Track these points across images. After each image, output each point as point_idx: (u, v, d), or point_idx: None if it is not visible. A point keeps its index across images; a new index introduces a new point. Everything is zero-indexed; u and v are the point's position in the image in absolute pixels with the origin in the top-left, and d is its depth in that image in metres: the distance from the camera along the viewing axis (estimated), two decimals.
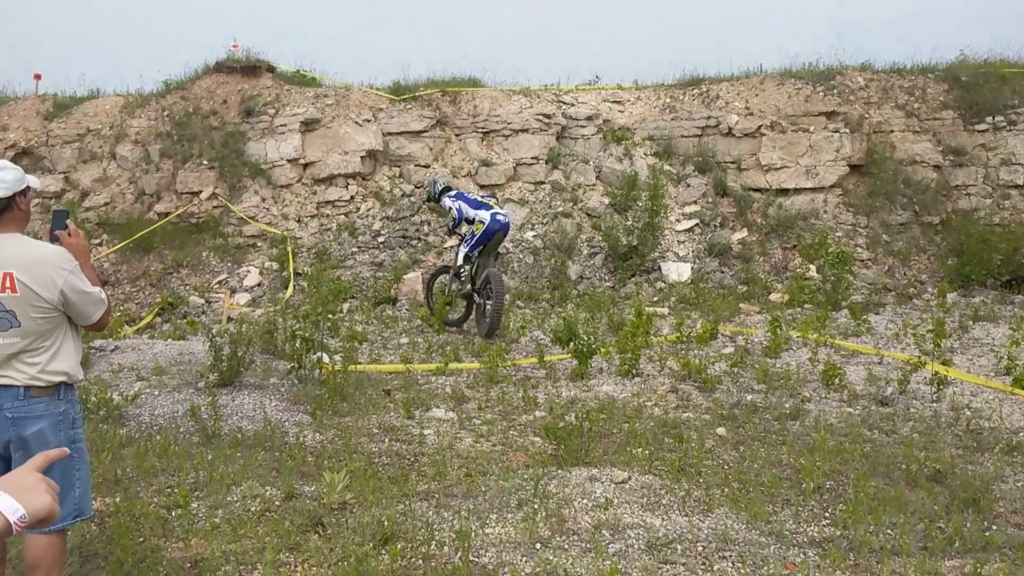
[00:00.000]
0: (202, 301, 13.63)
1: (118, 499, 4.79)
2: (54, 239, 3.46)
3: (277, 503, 4.85)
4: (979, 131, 16.49)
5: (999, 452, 5.84)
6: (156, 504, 4.85)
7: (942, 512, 4.68)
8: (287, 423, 6.60)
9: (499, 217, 10.55)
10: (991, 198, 16.11)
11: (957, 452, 5.94)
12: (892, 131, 16.53)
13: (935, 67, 17.84)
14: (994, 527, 4.50)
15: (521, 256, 14.71)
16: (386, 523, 4.37)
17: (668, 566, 3.98)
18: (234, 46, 17.66)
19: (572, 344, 8.57)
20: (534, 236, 15.24)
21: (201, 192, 15.56)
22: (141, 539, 4.38)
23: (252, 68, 17.30)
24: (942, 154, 16.45)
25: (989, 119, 16.40)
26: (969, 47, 20.72)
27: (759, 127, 16.13)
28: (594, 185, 16.20)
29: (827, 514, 4.70)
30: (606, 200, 15.78)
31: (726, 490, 5.01)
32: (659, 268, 14.74)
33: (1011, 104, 16.45)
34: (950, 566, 3.99)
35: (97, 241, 15.34)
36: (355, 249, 14.82)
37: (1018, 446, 6.04)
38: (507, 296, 11.79)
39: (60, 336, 3.40)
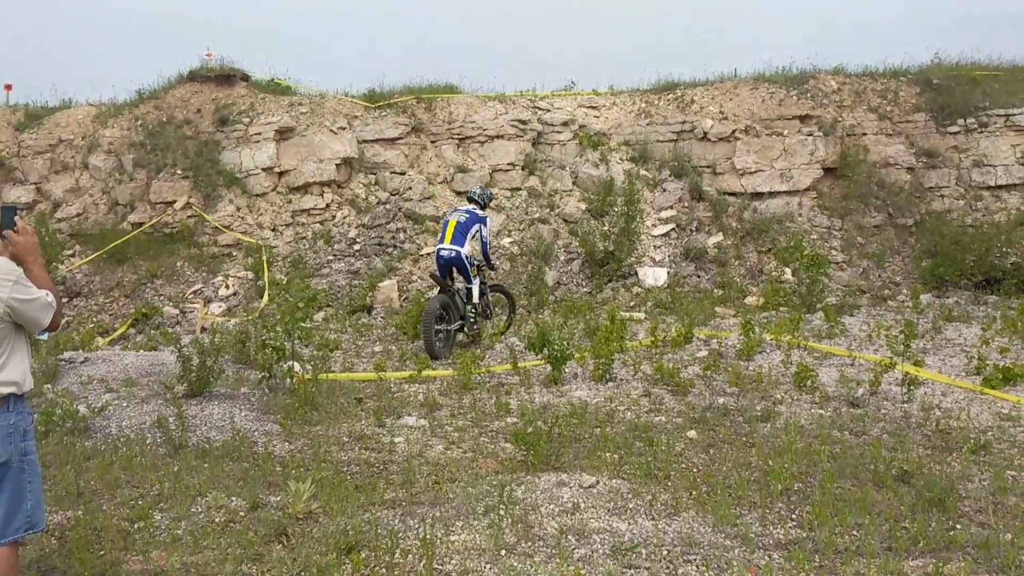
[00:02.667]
0: (176, 311, 13.54)
1: (80, 512, 4.72)
2: (1, 238, 3.40)
3: (242, 514, 4.80)
4: (951, 133, 16.65)
5: (966, 452, 5.87)
6: (118, 517, 4.79)
7: (907, 512, 4.68)
8: (256, 433, 6.55)
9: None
10: (964, 199, 16.25)
11: (925, 452, 5.96)
12: (865, 134, 16.66)
13: (907, 70, 18.02)
14: (958, 526, 4.51)
15: (498, 263, 14.71)
16: (351, 532, 4.33)
17: (632, 570, 3.96)
18: (208, 55, 17.62)
19: (546, 350, 8.55)
20: (511, 242, 15.24)
21: (175, 202, 15.46)
22: (102, 552, 4.32)
23: (226, 77, 17.25)
24: (915, 156, 16.59)
25: (961, 121, 16.57)
26: (942, 50, 20.96)
27: (734, 131, 16.21)
28: (570, 191, 16.22)
29: (794, 516, 4.70)
30: (583, 206, 15.80)
31: (694, 493, 5.01)
32: (636, 273, 14.77)
33: (982, 106, 16.62)
34: (913, 566, 3.99)
35: (70, 252, 15.22)
36: (331, 257, 14.77)
37: (985, 445, 6.06)
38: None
39: (8, 347, 3.35)
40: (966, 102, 16.71)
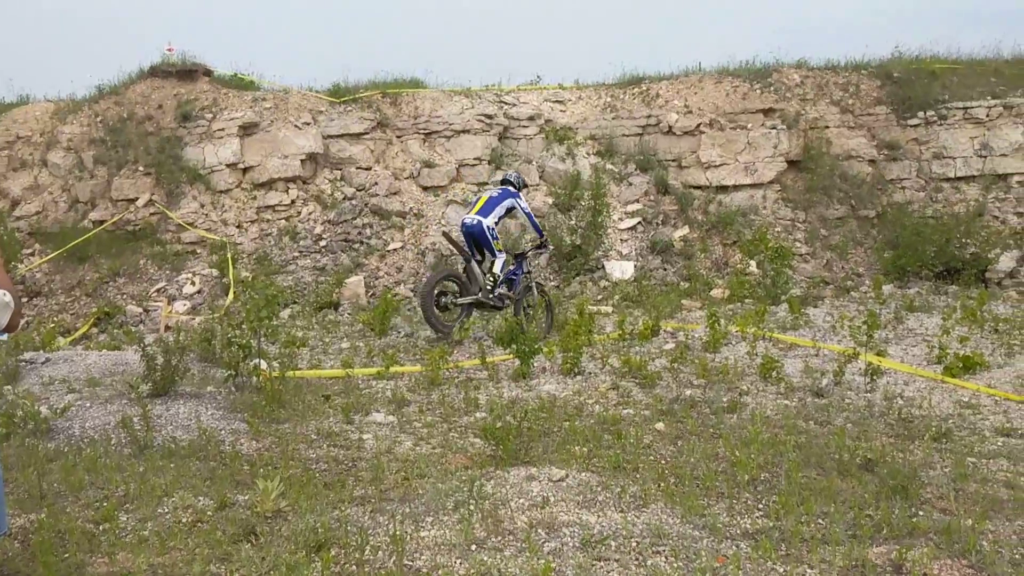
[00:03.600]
0: (140, 310, 13.38)
1: (43, 515, 4.65)
2: None
3: (209, 513, 4.75)
4: (912, 126, 16.91)
5: (928, 439, 5.97)
6: (83, 519, 4.72)
7: (871, 500, 4.75)
8: (223, 431, 6.48)
9: None
10: (924, 191, 16.51)
11: (889, 441, 6.06)
12: (828, 127, 16.86)
13: (868, 64, 18.25)
14: (921, 513, 4.59)
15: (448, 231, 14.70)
16: (320, 530, 4.31)
17: (602, 563, 3.99)
18: (169, 49, 17.37)
19: (514, 345, 8.57)
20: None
21: (137, 199, 15.26)
22: (66, 555, 4.26)
23: (188, 72, 17.03)
24: (876, 149, 16.82)
25: (921, 114, 16.82)
26: (902, 44, 21.26)
27: (698, 125, 16.33)
28: (537, 185, 16.23)
29: (760, 506, 4.75)
30: (549, 200, 15.83)
31: (662, 485, 5.04)
32: (603, 267, 14.84)
33: (942, 99, 16.88)
34: (877, 552, 4.05)
35: (29, 251, 14.96)
36: (296, 254, 14.67)
37: (947, 433, 6.18)
38: None
39: None
40: (926, 95, 16.97)
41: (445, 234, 11.74)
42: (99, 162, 15.77)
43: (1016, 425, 6.51)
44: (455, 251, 10.79)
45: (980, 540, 4.19)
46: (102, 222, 15.10)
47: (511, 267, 10.54)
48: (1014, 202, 16.12)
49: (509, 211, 10.54)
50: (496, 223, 10.35)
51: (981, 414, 6.86)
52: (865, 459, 5.41)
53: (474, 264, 10.33)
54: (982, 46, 19.03)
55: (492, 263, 10.34)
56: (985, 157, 16.46)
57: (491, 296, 10.19)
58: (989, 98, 16.71)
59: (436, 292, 9.93)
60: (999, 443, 6.11)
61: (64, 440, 6.31)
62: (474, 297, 10.12)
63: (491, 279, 10.24)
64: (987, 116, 16.51)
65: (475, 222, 10.27)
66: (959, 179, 16.52)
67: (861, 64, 18.27)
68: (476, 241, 10.40)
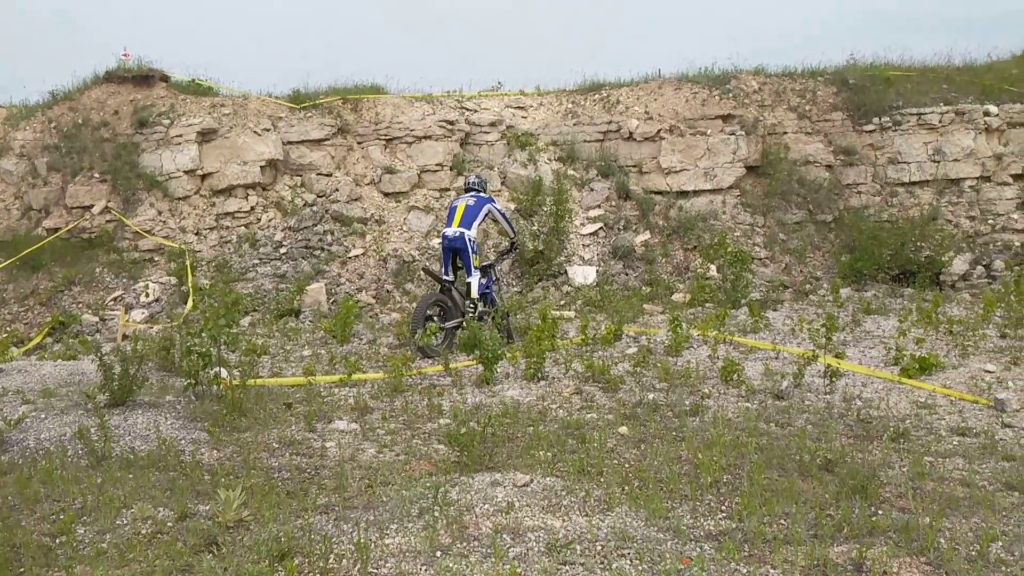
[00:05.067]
0: (96, 319, 13.15)
1: None
2: None
3: (170, 524, 4.69)
4: (867, 131, 17.18)
5: (886, 440, 6.07)
6: (39, 532, 4.63)
7: (832, 500, 4.82)
8: (183, 441, 6.40)
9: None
10: (880, 196, 16.78)
11: (848, 441, 6.15)
12: (786, 132, 17.07)
13: (824, 71, 18.52)
14: (880, 512, 4.66)
15: (428, 264, 14.64)
16: (283, 539, 4.27)
17: (567, 567, 3.99)
18: (125, 55, 17.11)
19: (477, 351, 8.55)
20: (439, 243, 15.17)
21: (93, 206, 15.00)
22: (21, 570, 4.17)
23: (145, 77, 16.79)
24: (833, 154, 17.06)
25: (876, 120, 17.10)
26: (857, 51, 21.56)
27: (659, 131, 16.44)
28: (499, 191, 16.23)
29: (723, 507, 4.79)
30: (512, 205, 15.84)
31: (626, 488, 5.07)
32: (565, 272, 14.88)
33: (896, 105, 17.18)
34: (838, 551, 4.11)
35: None
36: (256, 261, 14.52)
37: (904, 433, 6.29)
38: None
39: None
40: (881, 101, 17.25)
41: (425, 268, 11.85)
42: (53, 169, 15.49)
43: (971, 424, 6.63)
44: (433, 280, 10.71)
45: (938, 537, 4.27)
46: (56, 230, 14.82)
47: (482, 282, 10.50)
48: (966, 206, 16.46)
49: (486, 217, 10.52)
50: (477, 235, 10.34)
51: (937, 414, 6.98)
52: (825, 460, 5.49)
53: (455, 292, 10.29)
54: (934, 54, 19.35)
55: (468, 286, 10.31)
56: (938, 162, 16.77)
57: (475, 321, 10.17)
58: (941, 104, 17.03)
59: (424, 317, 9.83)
60: (955, 442, 6.22)
61: (18, 452, 6.18)
62: (459, 320, 9.99)
63: (471, 305, 10.25)
64: (940, 122, 16.83)
65: (458, 234, 10.19)
66: (913, 184, 16.82)
67: (817, 71, 18.53)
68: (456, 253, 10.36)
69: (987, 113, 16.80)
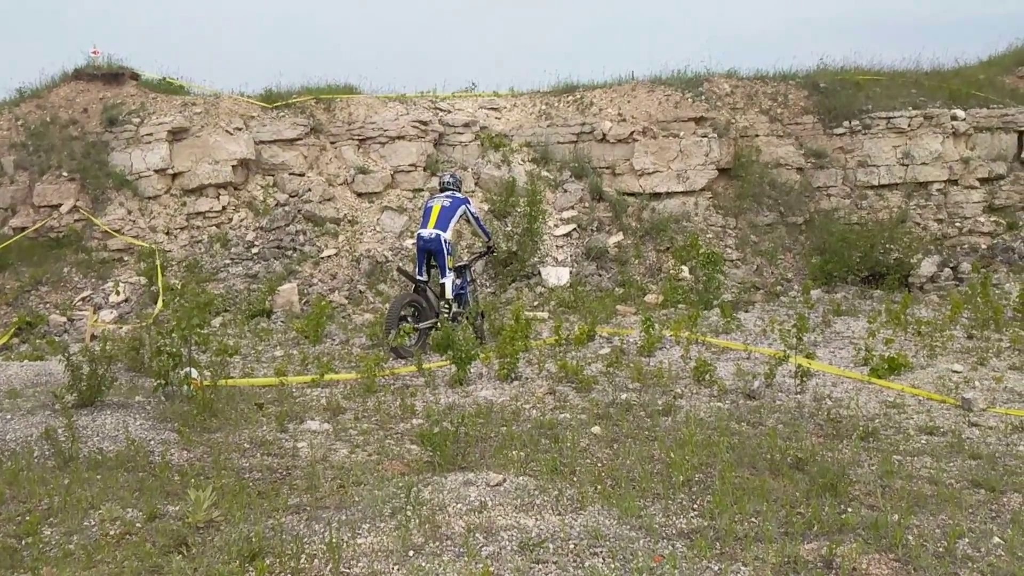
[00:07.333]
0: (64, 319, 12.99)
1: None
2: None
3: (139, 525, 4.64)
4: (837, 135, 17.33)
5: (856, 439, 6.12)
6: (4, 533, 4.56)
7: (802, 498, 4.86)
8: (152, 442, 6.33)
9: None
10: (850, 198, 16.94)
11: (818, 440, 6.20)
12: (757, 135, 17.19)
13: (796, 74, 18.66)
14: (850, 510, 4.70)
15: (402, 264, 14.60)
16: (254, 539, 4.23)
17: (540, 565, 4.00)
18: (94, 52, 16.90)
19: (450, 351, 8.54)
20: (413, 244, 15.14)
21: (61, 205, 14.80)
22: None
23: (115, 75, 16.61)
24: (804, 157, 17.20)
25: (846, 123, 17.26)
26: (827, 55, 21.74)
27: (632, 133, 16.50)
28: (473, 191, 16.21)
29: (695, 506, 4.82)
30: (485, 206, 15.83)
31: (599, 487, 5.08)
32: (539, 273, 14.89)
33: (865, 109, 17.35)
34: (808, 549, 4.14)
35: None
36: (228, 261, 14.40)
37: (873, 432, 6.36)
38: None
39: None
40: (850, 105, 17.42)
41: (399, 268, 11.90)
42: (20, 167, 15.27)
43: (939, 423, 6.72)
44: (407, 280, 10.68)
45: (906, 534, 4.32)
46: (23, 229, 14.61)
47: (457, 282, 10.48)
48: (934, 209, 16.66)
49: (461, 218, 10.51)
50: (452, 236, 10.32)
51: (906, 413, 7.06)
52: (796, 458, 5.53)
53: (429, 293, 10.26)
54: (903, 58, 19.66)
55: (442, 287, 10.29)
56: (907, 165, 16.95)
57: (449, 321, 10.14)
58: (910, 108, 17.22)
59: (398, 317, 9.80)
60: (923, 441, 6.30)
61: None
62: (433, 321, 9.95)
63: (446, 307, 10.24)
64: (908, 126, 17.02)
65: (433, 236, 10.16)
66: (883, 187, 16.99)
67: (789, 74, 18.67)
68: (431, 254, 10.33)
69: (955, 117, 17.01)
